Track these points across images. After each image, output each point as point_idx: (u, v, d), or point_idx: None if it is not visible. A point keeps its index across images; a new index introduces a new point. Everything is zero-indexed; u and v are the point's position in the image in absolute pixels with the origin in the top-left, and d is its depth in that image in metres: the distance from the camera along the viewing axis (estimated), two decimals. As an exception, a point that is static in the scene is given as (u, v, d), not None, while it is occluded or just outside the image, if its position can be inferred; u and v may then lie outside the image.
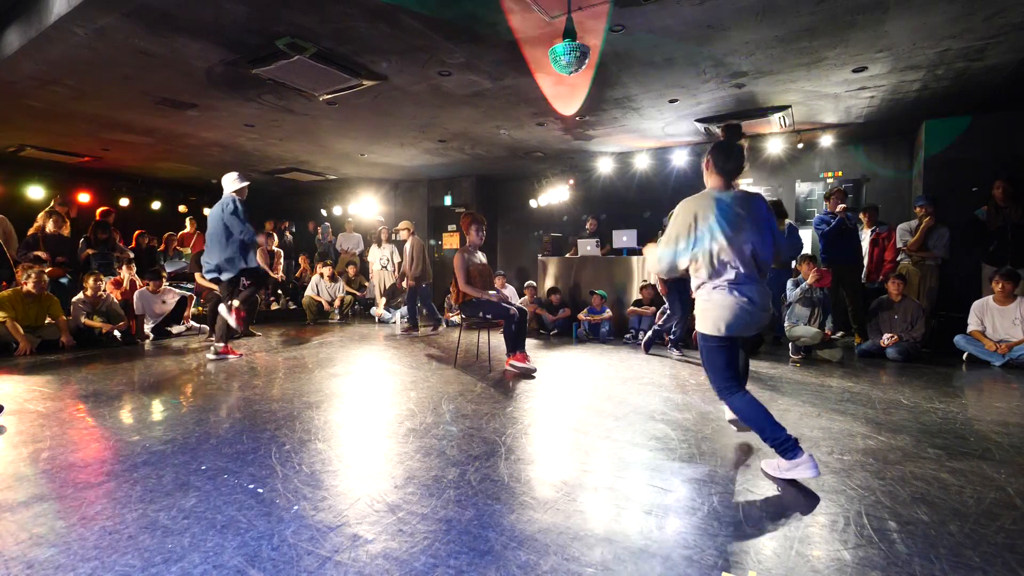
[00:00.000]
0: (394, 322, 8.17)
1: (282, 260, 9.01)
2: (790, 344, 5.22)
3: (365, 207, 10.99)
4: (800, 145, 7.17)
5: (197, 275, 6.42)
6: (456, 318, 7.42)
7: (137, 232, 7.92)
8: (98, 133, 6.97)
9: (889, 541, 1.68)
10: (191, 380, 4.06)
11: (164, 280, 6.56)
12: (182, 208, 10.84)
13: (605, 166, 8.44)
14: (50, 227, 6.24)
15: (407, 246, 7.24)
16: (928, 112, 6.04)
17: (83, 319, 5.66)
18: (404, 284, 7.55)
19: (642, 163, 8.00)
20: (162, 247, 8.56)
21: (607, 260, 7.05)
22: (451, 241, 10.45)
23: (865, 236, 6.16)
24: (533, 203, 9.70)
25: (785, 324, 5.55)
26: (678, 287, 5.30)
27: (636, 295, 6.60)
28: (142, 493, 1.99)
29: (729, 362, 2.26)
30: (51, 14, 3.88)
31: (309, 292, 8.27)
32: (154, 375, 4.24)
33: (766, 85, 5.20)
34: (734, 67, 4.75)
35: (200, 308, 7.01)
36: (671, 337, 5.49)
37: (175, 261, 8.17)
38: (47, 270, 5.90)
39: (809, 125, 6.61)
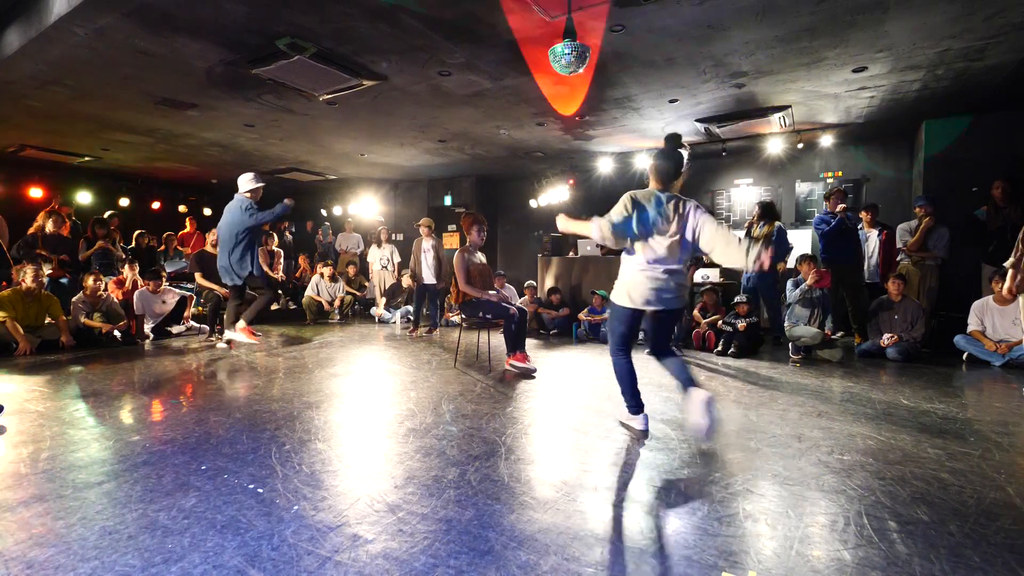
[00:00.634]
0: (394, 322, 8.17)
1: (282, 260, 9.01)
2: (790, 344, 5.22)
3: (365, 207, 10.99)
4: (800, 145, 7.17)
5: (197, 275, 6.42)
6: (456, 318, 7.42)
7: (137, 232, 7.92)
8: (98, 133, 6.97)
9: (889, 541, 1.68)
10: (191, 380, 4.06)
11: (164, 280, 6.56)
12: (182, 208, 10.84)
13: (605, 166, 8.44)
14: (50, 227, 6.24)
15: (428, 245, 6.98)
16: (928, 112, 6.04)
17: (83, 319, 5.66)
18: (407, 283, 7.51)
19: (642, 163, 8.00)
20: (162, 247, 8.56)
21: (607, 260, 7.05)
22: (451, 241, 10.45)
23: (871, 236, 6.15)
24: (533, 203, 9.70)
25: (785, 324, 5.56)
26: None
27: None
28: (142, 493, 1.99)
29: (626, 331, 2.84)
30: (51, 14, 3.88)
31: (309, 292, 8.27)
32: (154, 375, 4.24)
33: (766, 85, 5.20)
34: (734, 67, 4.75)
35: (200, 308, 7.00)
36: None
37: (175, 261, 8.17)
38: (48, 270, 5.90)
39: (809, 125, 6.61)
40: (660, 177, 2.75)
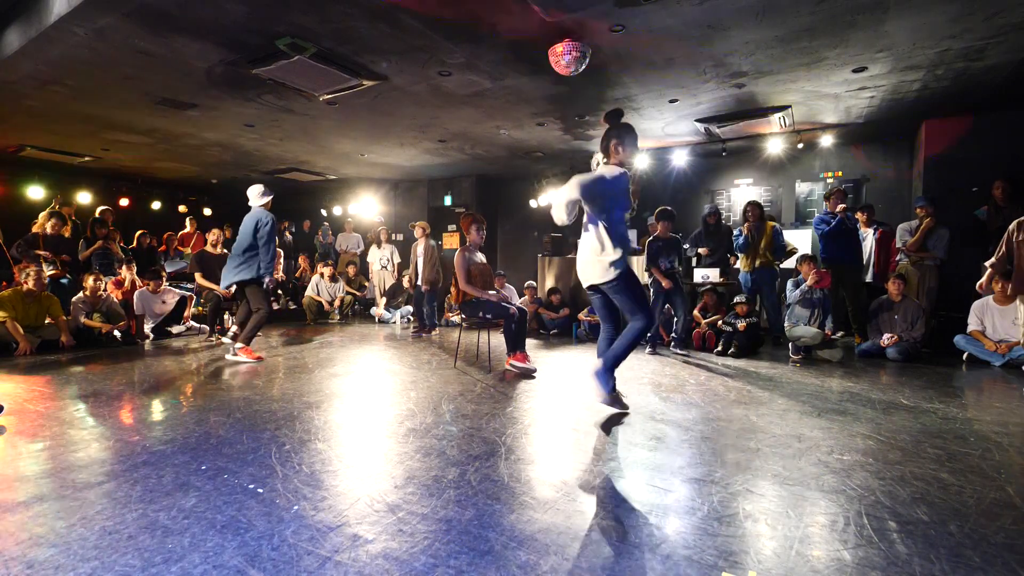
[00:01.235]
0: (394, 322, 8.18)
1: (282, 260, 9.01)
2: (790, 344, 5.22)
3: (365, 207, 10.99)
4: (800, 145, 7.17)
5: (197, 275, 6.42)
6: (456, 318, 7.42)
7: (139, 232, 7.93)
8: (98, 133, 6.97)
9: (889, 541, 1.68)
10: (191, 380, 4.06)
11: (164, 280, 6.56)
12: (182, 208, 10.84)
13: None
14: (50, 227, 6.25)
15: (419, 248, 7.09)
16: (928, 112, 6.04)
17: (83, 319, 5.66)
18: (407, 284, 7.51)
19: (642, 163, 7.99)
20: (162, 247, 8.56)
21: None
22: (451, 241, 10.45)
23: (868, 235, 6.16)
24: (533, 203, 9.70)
25: (785, 324, 5.56)
26: (677, 286, 5.30)
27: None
28: (142, 493, 1.99)
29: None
30: (51, 14, 3.88)
31: (309, 292, 8.27)
32: (154, 375, 4.24)
33: (766, 85, 5.20)
34: (734, 67, 4.75)
35: (200, 308, 7.01)
36: (672, 336, 5.49)
37: (175, 261, 8.17)
38: (50, 271, 5.90)
39: (809, 125, 6.62)
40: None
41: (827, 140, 6.94)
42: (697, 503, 1.95)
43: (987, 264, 3.95)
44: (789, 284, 5.62)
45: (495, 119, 6.39)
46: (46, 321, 5.40)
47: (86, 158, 8.33)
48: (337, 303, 8.35)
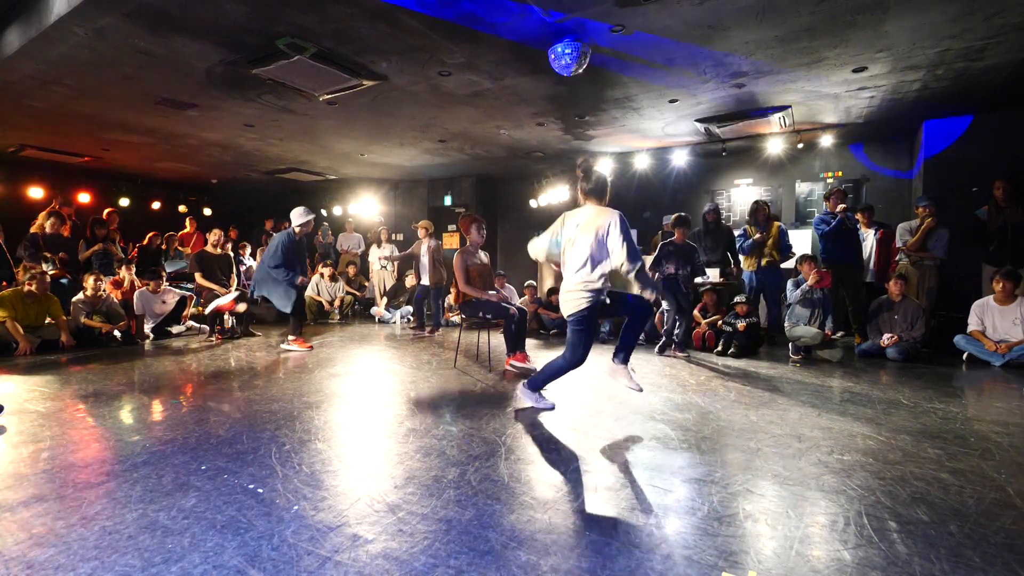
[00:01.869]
0: (394, 322, 8.18)
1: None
2: (790, 344, 5.22)
3: (365, 207, 10.98)
4: (800, 145, 7.17)
5: (197, 275, 6.42)
6: (456, 318, 7.42)
7: (151, 234, 7.96)
8: (98, 133, 6.97)
9: (889, 541, 1.68)
10: (191, 380, 4.06)
11: (164, 280, 6.56)
12: (182, 208, 10.83)
13: (605, 166, 8.42)
14: (49, 227, 6.24)
15: (424, 247, 7.10)
16: (928, 112, 6.04)
17: (83, 319, 5.66)
18: (409, 283, 7.52)
19: (642, 163, 7.99)
20: (163, 247, 8.55)
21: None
22: (451, 241, 10.45)
23: (868, 236, 6.16)
24: (533, 203, 9.70)
25: (785, 324, 5.56)
26: (672, 288, 5.30)
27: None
28: (142, 493, 1.99)
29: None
30: (51, 14, 3.88)
31: (309, 292, 8.26)
32: (154, 375, 4.24)
33: (766, 85, 5.20)
34: (734, 67, 4.75)
35: (200, 308, 7.01)
36: (673, 340, 5.49)
37: (175, 261, 8.17)
38: (51, 271, 5.90)
39: (809, 125, 6.61)
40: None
41: (827, 140, 6.94)
42: (697, 503, 1.95)
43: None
44: (789, 284, 5.62)
45: (495, 119, 6.39)
46: (46, 321, 5.40)
47: (86, 158, 8.33)
48: (337, 303, 8.35)
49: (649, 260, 5.55)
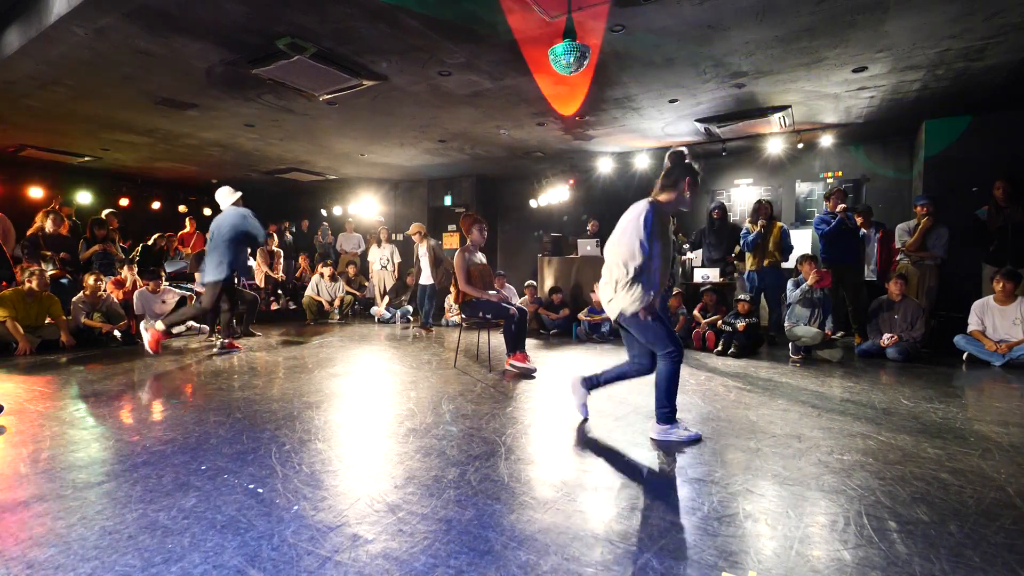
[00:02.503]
0: (394, 322, 8.17)
1: (282, 260, 9.01)
2: (790, 344, 5.22)
3: (365, 207, 10.99)
4: (800, 145, 7.17)
5: (197, 275, 6.42)
6: (456, 318, 7.42)
7: (156, 235, 7.98)
8: (98, 133, 6.97)
9: (889, 541, 1.68)
10: (191, 380, 4.06)
11: (163, 280, 6.56)
12: (182, 208, 10.84)
13: (605, 166, 8.43)
14: (49, 227, 6.24)
15: (421, 250, 7.17)
16: (928, 112, 6.04)
17: (83, 319, 5.66)
18: (410, 281, 7.53)
19: (642, 163, 8.00)
20: (164, 247, 8.56)
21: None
22: (451, 241, 10.45)
23: (869, 236, 6.16)
24: (533, 203, 9.70)
25: (785, 324, 5.55)
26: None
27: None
28: (142, 493, 1.99)
29: None
30: (51, 14, 3.88)
31: (309, 292, 8.27)
32: (154, 375, 4.24)
33: (766, 85, 5.20)
34: (734, 67, 4.75)
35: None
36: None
37: (175, 261, 8.17)
38: (51, 271, 5.90)
39: (809, 125, 6.62)
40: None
41: (827, 140, 6.94)
42: (697, 503, 1.95)
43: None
44: (789, 284, 5.62)
45: (495, 119, 6.39)
46: (46, 321, 5.40)
47: (86, 158, 8.33)
48: (337, 303, 8.35)
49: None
